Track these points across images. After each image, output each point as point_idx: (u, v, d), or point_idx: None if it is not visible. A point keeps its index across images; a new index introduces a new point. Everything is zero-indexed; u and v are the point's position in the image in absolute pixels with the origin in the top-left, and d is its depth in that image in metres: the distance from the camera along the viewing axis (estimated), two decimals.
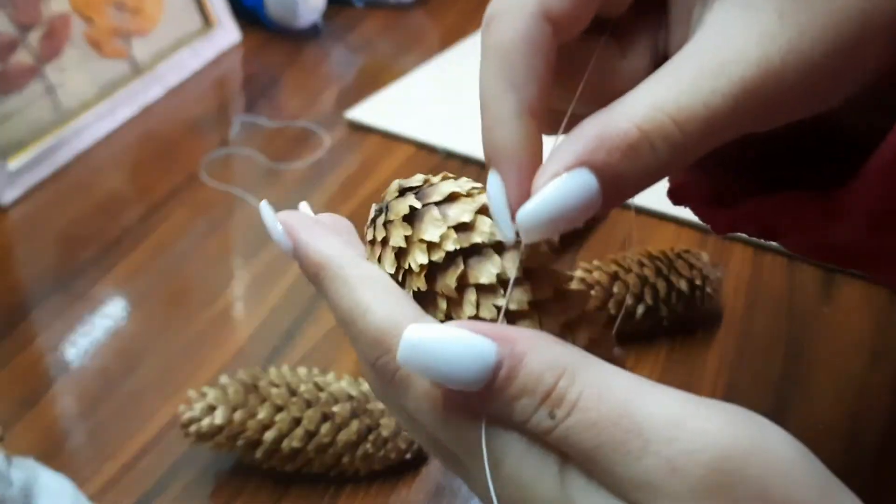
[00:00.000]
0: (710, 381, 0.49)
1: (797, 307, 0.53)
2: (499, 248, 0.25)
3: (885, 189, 0.25)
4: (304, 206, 0.30)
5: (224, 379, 0.45)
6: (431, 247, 0.25)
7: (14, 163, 0.69)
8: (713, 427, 0.20)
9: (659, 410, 0.21)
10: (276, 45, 0.89)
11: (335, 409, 0.44)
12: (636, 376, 0.22)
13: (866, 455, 0.44)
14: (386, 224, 0.27)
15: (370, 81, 0.80)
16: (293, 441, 0.43)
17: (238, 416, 0.43)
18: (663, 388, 0.21)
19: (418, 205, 0.26)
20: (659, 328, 0.51)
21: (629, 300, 0.50)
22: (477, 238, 0.25)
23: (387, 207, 0.27)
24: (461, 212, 0.25)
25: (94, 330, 0.56)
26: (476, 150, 0.69)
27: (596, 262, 0.52)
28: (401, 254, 0.26)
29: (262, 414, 0.43)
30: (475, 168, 0.68)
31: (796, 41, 0.23)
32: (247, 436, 0.43)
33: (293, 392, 0.44)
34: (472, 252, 0.25)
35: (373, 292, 0.25)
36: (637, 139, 0.22)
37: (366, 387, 0.46)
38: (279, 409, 0.44)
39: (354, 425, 0.43)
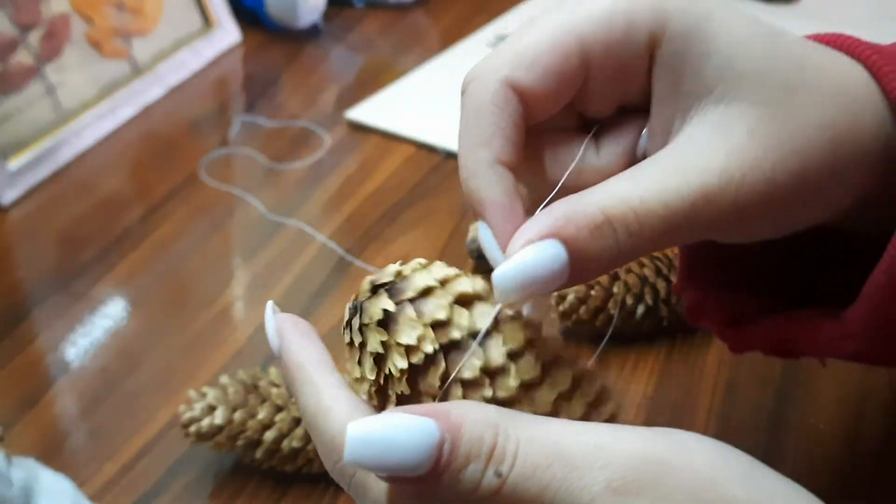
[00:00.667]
0: (710, 381, 0.49)
1: None
2: (476, 337, 0.25)
3: (879, 310, 0.27)
4: (269, 307, 0.30)
5: (224, 379, 0.45)
6: (410, 350, 0.25)
7: (14, 163, 0.69)
8: (638, 445, 0.23)
9: (587, 440, 0.23)
10: (277, 45, 0.89)
11: None
12: (556, 418, 0.24)
13: (867, 454, 0.44)
14: (362, 328, 0.26)
15: (370, 81, 0.80)
16: (293, 441, 0.43)
17: (238, 416, 0.43)
18: (586, 423, 0.24)
19: (392, 307, 0.25)
20: (659, 328, 0.51)
21: (629, 300, 0.50)
22: (455, 333, 0.25)
23: (361, 308, 0.26)
24: (436, 307, 0.25)
25: (95, 330, 0.56)
26: None
27: None
28: (380, 358, 0.26)
29: (262, 414, 0.43)
30: None
31: (760, 160, 0.26)
32: (247, 436, 0.43)
33: None
34: (452, 347, 0.25)
35: (335, 400, 0.26)
36: (601, 222, 0.25)
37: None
38: (279, 409, 0.44)
39: None
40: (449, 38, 0.86)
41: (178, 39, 0.84)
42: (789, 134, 0.26)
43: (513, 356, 0.25)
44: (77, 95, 0.75)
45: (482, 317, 0.25)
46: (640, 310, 0.50)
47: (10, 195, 0.68)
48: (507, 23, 0.87)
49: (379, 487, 0.25)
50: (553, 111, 0.29)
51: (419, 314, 0.25)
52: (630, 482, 0.22)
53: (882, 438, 0.45)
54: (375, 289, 0.26)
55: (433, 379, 0.25)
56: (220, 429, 0.43)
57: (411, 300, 0.25)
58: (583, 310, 0.50)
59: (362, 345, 0.26)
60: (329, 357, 0.28)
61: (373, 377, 0.26)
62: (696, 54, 0.27)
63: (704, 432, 0.46)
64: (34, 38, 0.72)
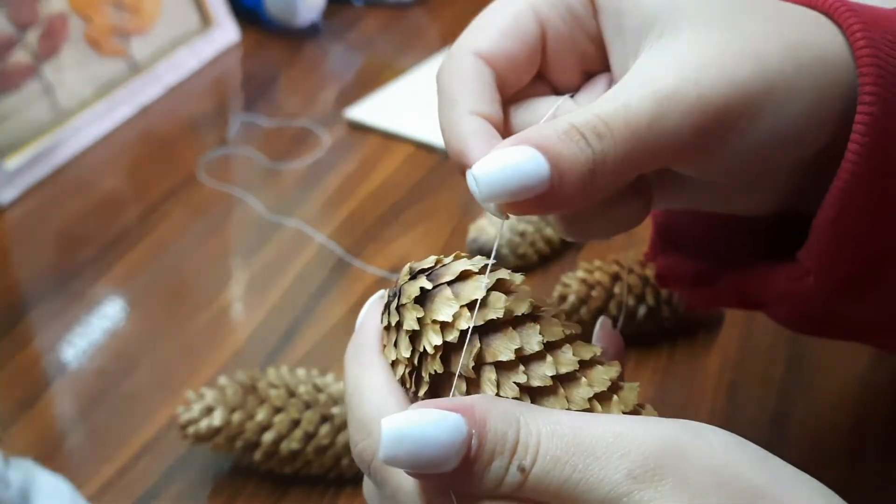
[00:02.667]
0: (712, 382, 0.49)
1: None
2: (517, 321, 0.25)
3: (830, 245, 0.28)
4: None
5: (222, 380, 0.45)
6: (445, 327, 0.25)
7: (12, 162, 0.68)
8: (658, 433, 0.23)
9: (606, 430, 0.23)
10: (276, 44, 0.89)
11: (334, 410, 0.43)
12: (575, 411, 0.24)
13: (870, 455, 0.44)
14: (399, 308, 0.26)
15: (370, 80, 0.80)
16: (292, 442, 0.43)
17: (236, 417, 0.43)
18: (605, 414, 0.24)
19: (429, 286, 0.26)
20: (661, 329, 0.51)
21: (631, 301, 0.50)
22: (491, 314, 0.25)
23: (399, 291, 0.26)
24: (473, 289, 0.25)
25: (92, 330, 0.56)
26: None
27: (597, 263, 0.52)
28: (415, 336, 0.26)
29: (260, 415, 0.43)
30: None
31: (715, 60, 0.27)
32: (245, 437, 0.43)
33: (292, 393, 0.44)
34: (489, 329, 0.25)
35: (376, 380, 0.27)
36: (571, 129, 0.26)
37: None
38: (278, 410, 0.43)
39: None
40: (449, 36, 0.86)
41: (177, 38, 0.84)
42: (738, 39, 0.27)
43: (551, 346, 0.25)
44: (75, 95, 0.75)
45: (518, 304, 0.25)
46: (642, 311, 0.50)
47: (8, 195, 0.68)
48: None
49: (399, 478, 0.25)
50: (524, 77, 0.31)
51: (456, 294, 0.25)
52: (650, 469, 0.22)
53: (884, 438, 0.45)
54: (415, 274, 0.27)
55: (467, 360, 0.25)
56: (218, 430, 0.43)
57: (449, 283, 0.26)
58: (584, 310, 0.50)
59: (399, 324, 0.26)
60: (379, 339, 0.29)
61: (407, 355, 0.26)
62: None
63: None
64: (32, 36, 0.72)
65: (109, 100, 0.76)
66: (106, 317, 0.57)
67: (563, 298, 0.50)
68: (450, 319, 0.25)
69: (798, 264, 0.30)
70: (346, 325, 0.54)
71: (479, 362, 0.25)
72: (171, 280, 0.60)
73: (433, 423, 0.23)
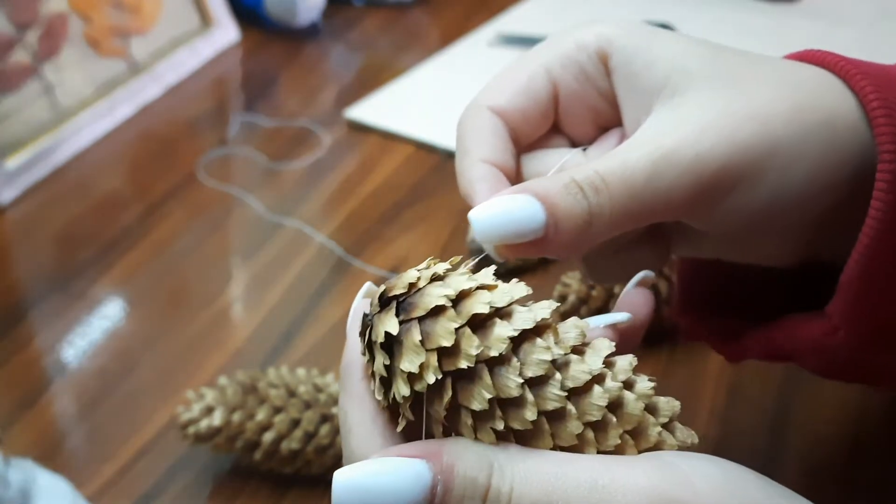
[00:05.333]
0: (712, 383, 0.48)
1: None
2: (493, 361, 0.23)
3: (858, 301, 0.28)
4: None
5: (222, 380, 0.45)
6: (413, 377, 0.24)
7: (12, 162, 0.68)
8: (641, 481, 0.22)
9: (584, 477, 0.22)
10: (275, 44, 0.89)
11: (334, 410, 0.43)
12: (554, 452, 0.23)
13: (869, 455, 0.44)
14: (370, 345, 0.25)
15: (370, 80, 0.80)
16: (292, 442, 0.43)
17: (236, 417, 0.43)
18: (582, 456, 0.23)
19: (395, 329, 0.24)
20: (660, 329, 0.51)
21: None
22: (462, 363, 0.23)
23: (372, 323, 0.25)
24: (444, 333, 0.23)
25: (92, 330, 0.56)
26: None
27: None
28: (385, 382, 0.25)
29: (260, 415, 0.43)
30: None
31: (716, 122, 0.28)
32: (245, 437, 0.43)
33: (292, 393, 0.44)
34: (461, 376, 0.23)
35: (359, 416, 0.26)
36: (570, 182, 0.27)
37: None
38: (278, 410, 0.43)
39: None
40: (449, 36, 0.86)
41: (177, 38, 0.84)
42: (743, 102, 0.28)
43: (535, 383, 0.24)
44: (75, 94, 0.75)
45: (496, 341, 0.24)
46: None
47: (8, 195, 0.68)
48: (506, 21, 0.87)
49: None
50: (538, 131, 0.33)
51: (426, 337, 0.24)
52: None
53: (884, 439, 0.45)
54: (386, 300, 0.25)
55: (439, 409, 0.24)
56: (218, 430, 0.43)
57: (420, 318, 0.24)
58: (584, 310, 0.50)
59: (371, 361, 0.25)
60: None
61: (380, 398, 0.25)
62: (644, 61, 0.30)
63: (706, 434, 0.46)
64: (32, 37, 0.72)
65: (109, 100, 0.76)
66: (106, 317, 0.57)
67: (563, 298, 0.50)
68: (416, 370, 0.23)
69: (826, 318, 0.30)
70: (346, 325, 0.55)
71: (453, 406, 0.24)
72: (171, 280, 0.60)
73: (392, 474, 0.22)
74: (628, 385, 0.25)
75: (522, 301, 0.25)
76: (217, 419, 0.43)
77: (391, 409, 0.25)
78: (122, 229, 0.65)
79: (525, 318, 0.24)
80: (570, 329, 0.25)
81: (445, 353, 0.23)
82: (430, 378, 0.23)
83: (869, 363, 0.32)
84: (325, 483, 0.45)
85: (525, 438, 0.24)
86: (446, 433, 0.24)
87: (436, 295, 0.24)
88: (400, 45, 0.88)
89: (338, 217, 0.64)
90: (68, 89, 0.74)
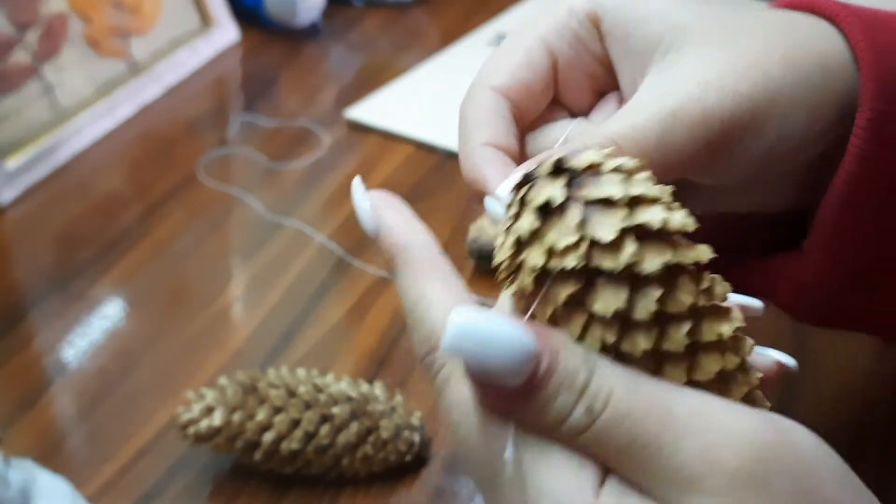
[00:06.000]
0: None
1: None
2: (635, 280, 0.22)
3: (834, 236, 0.29)
4: (357, 182, 0.31)
5: (223, 380, 0.45)
6: (553, 253, 0.22)
7: (12, 162, 0.68)
8: (744, 422, 0.21)
9: (688, 402, 0.21)
10: (275, 44, 0.89)
11: (334, 410, 0.43)
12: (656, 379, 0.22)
13: (872, 451, 0.44)
14: (523, 200, 0.23)
15: (369, 80, 0.80)
16: (292, 442, 0.43)
17: (237, 417, 0.43)
18: (688, 389, 0.22)
19: (559, 199, 0.22)
20: None
21: None
22: (609, 264, 0.22)
23: (532, 182, 0.23)
24: (607, 226, 0.22)
25: (92, 330, 0.56)
26: None
27: None
28: (521, 242, 0.23)
29: (260, 415, 0.43)
30: None
31: (720, 75, 0.28)
32: (245, 437, 0.43)
33: (292, 393, 0.44)
34: (599, 275, 0.22)
35: (441, 289, 0.26)
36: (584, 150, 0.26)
37: (365, 388, 0.45)
38: (278, 410, 0.43)
39: (354, 427, 0.43)
40: (449, 36, 0.86)
41: (177, 38, 0.84)
42: (740, 53, 0.28)
43: (666, 319, 0.22)
44: (75, 95, 0.75)
45: (651, 258, 0.22)
46: None
47: (8, 195, 0.68)
48: (506, 21, 0.87)
49: (457, 395, 0.24)
50: (541, 105, 0.33)
51: (585, 222, 0.22)
52: (727, 457, 0.20)
53: (884, 440, 0.45)
54: (559, 170, 0.23)
55: (559, 297, 0.22)
56: (218, 430, 0.43)
57: (588, 202, 0.22)
58: None
59: (517, 216, 0.23)
60: (434, 240, 0.28)
61: (501, 257, 0.24)
62: (635, 19, 0.30)
63: None
64: (32, 37, 0.72)
65: (109, 100, 0.76)
66: (106, 317, 0.57)
67: None
68: (558, 249, 0.22)
69: (804, 255, 0.31)
70: (346, 326, 0.55)
71: (575, 301, 0.22)
72: (171, 280, 0.60)
73: (503, 330, 0.21)
74: (744, 367, 0.23)
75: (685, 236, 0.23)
76: (217, 419, 0.43)
77: (508, 269, 0.24)
78: (122, 229, 0.65)
79: (686, 254, 0.22)
80: (719, 285, 0.23)
81: (597, 247, 0.22)
82: (571, 263, 0.22)
83: (847, 306, 0.32)
84: (325, 483, 0.45)
85: (626, 363, 0.22)
86: (550, 324, 0.23)
87: (614, 186, 0.22)
88: (400, 45, 0.88)
89: (338, 217, 0.64)
90: (68, 89, 0.74)
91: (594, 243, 0.22)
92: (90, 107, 0.75)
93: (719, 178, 0.30)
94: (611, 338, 0.22)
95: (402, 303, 0.27)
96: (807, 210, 0.32)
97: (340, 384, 0.45)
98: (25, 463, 0.41)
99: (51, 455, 0.47)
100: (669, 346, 0.22)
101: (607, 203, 0.22)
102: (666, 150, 0.27)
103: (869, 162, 0.28)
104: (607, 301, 0.22)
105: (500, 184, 0.28)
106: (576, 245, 0.22)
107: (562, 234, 0.22)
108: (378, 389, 0.46)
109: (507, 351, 0.21)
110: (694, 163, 0.28)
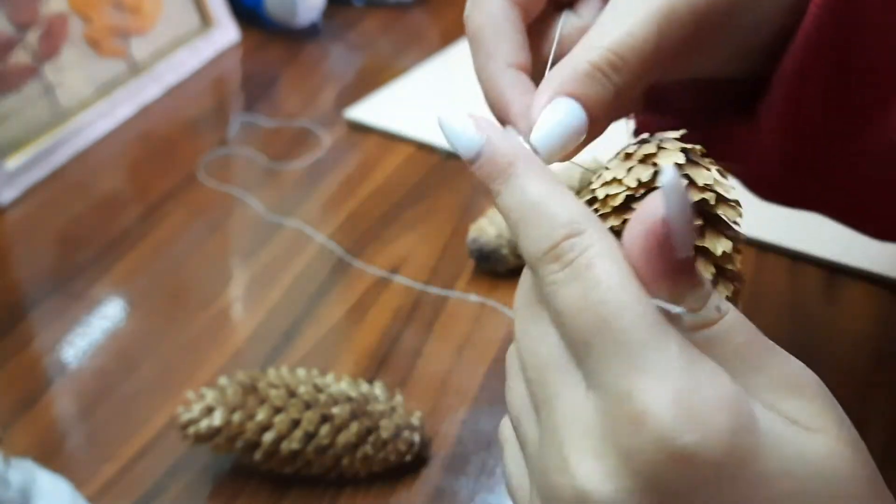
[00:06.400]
0: None
1: (799, 308, 0.53)
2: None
3: (786, 99, 0.31)
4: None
5: (223, 380, 0.45)
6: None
7: (12, 162, 0.68)
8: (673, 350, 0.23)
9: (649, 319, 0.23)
10: (276, 45, 0.89)
11: (334, 410, 0.43)
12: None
13: (870, 456, 0.44)
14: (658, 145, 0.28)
15: (370, 80, 0.80)
16: (292, 442, 0.43)
17: (237, 417, 0.43)
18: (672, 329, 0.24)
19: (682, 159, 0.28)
20: None
21: None
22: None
23: (660, 146, 0.28)
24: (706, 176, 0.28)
25: (92, 330, 0.56)
26: None
27: None
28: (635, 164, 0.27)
29: (260, 415, 0.43)
30: None
31: None
32: (245, 437, 0.43)
33: (292, 393, 0.44)
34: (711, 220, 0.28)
35: (564, 187, 0.26)
36: (591, 70, 0.28)
37: (365, 388, 0.45)
38: (278, 410, 0.43)
39: (354, 427, 0.43)
40: (449, 36, 0.86)
41: (177, 38, 0.84)
42: None
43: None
44: (75, 95, 0.75)
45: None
46: None
47: (8, 195, 0.68)
48: None
49: (612, 268, 0.23)
50: (541, 5, 0.33)
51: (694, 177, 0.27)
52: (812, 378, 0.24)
53: (886, 439, 0.45)
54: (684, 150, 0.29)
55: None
56: (218, 430, 0.43)
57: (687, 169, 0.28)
58: None
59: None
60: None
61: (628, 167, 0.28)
62: None
63: None
64: (32, 37, 0.72)
65: (109, 100, 0.76)
66: (106, 317, 0.57)
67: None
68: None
69: (755, 120, 0.33)
70: (346, 326, 0.55)
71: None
72: (171, 280, 0.60)
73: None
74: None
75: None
76: (217, 419, 0.43)
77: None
78: (122, 229, 0.65)
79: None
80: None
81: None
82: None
83: (799, 183, 0.34)
84: (325, 483, 0.45)
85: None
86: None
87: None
88: (400, 45, 0.88)
89: (338, 217, 0.64)
90: (68, 89, 0.74)
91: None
92: (90, 107, 0.75)
93: (705, 61, 0.32)
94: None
95: (513, 203, 0.26)
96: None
97: (340, 384, 0.45)
98: (25, 463, 0.41)
99: (51, 455, 0.47)
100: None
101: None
102: (664, 52, 0.28)
103: (820, 33, 0.30)
104: (722, 243, 0.30)
105: (523, 112, 0.29)
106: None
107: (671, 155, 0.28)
108: (378, 389, 0.46)
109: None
110: (684, 56, 0.30)
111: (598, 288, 0.23)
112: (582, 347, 0.23)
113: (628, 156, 0.27)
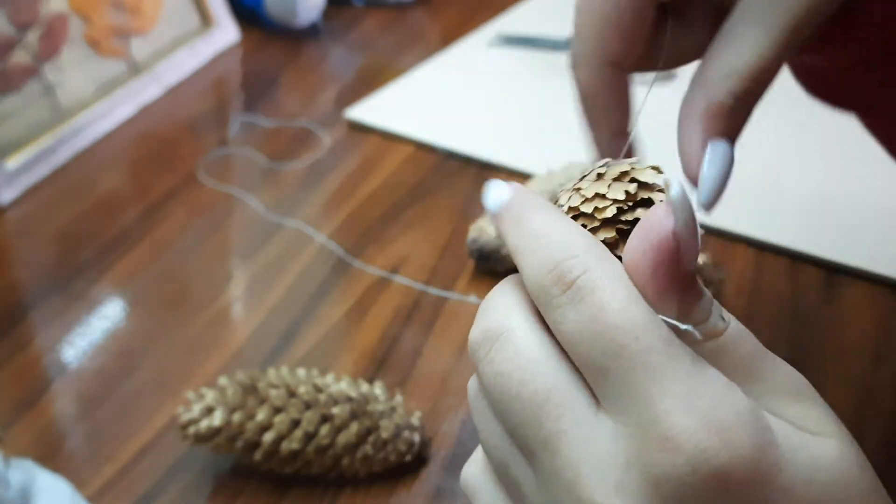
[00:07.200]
0: None
1: (799, 308, 0.53)
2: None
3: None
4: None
5: (223, 380, 0.45)
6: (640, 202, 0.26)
7: (12, 162, 0.68)
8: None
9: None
10: (276, 45, 0.89)
11: (334, 410, 0.43)
12: None
13: (871, 457, 0.44)
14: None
15: (370, 81, 0.80)
16: (292, 443, 0.43)
17: (237, 417, 0.43)
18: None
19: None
20: None
21: None
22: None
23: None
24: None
25: (93, 330, 0.56)
26: (476, 150, 0.69)
27: None
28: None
29: (260, 415, 0.43)
30: (475, 168, 0.68)
31: None
32: (245, 437, 0.43)
33: (292, 393, 0.44)
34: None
35: (559, 218, 0.26)
36: (733, 104, 0.28)
37: (365, 388, 0.45)
38: (278, 410, 0.43)
39: (354, 427, 0.43)
40: (449, 36, 0.86)
41: (177, 38, 0.84)
42: None
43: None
44: (75, 95, 0.75)
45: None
46: None
47: (9, 195, 0.68)
48: (506, 21, 0.87)
49: (617, 287, 0.23)
50: (641, 46, 0.32)
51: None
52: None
53: (886, 439, 0.45)
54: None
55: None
56: (218, 430, 0.43)
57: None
58: None
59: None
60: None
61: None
62: None
63: None
64: (32, 37, 0.72)
65: (109, 100, 0.76)
66: (106, 317, 0.57)
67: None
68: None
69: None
70: (346, 326, 0.55)
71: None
72: (171, 280, 0.60)
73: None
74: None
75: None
76: (217, 419, 0.43)
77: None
78: (122, 229, 0.65)
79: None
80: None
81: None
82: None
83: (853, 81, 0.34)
84: (325, 483, 0.45)
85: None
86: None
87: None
88: (400, 45, 0.88)
89: (338, 217, 0.64)
90: (68, 90, 0.74)
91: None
92: (90, 107, 0.75)
93: None
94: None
95: (516, 235, 0.25)
96: None
97: (340, 384, 0.45)
98: (25, 463, 0.41)
99: (51, 455, 0.47)
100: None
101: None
102: (788, 56, 0.29)
103: None
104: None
105: (686, 163, 0.29)
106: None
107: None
108: (378, 389, 0.46)
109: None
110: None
111: (609, 310, 0.22)
112: (597, 374, 0.23)
113: (600, 175, 0.26)
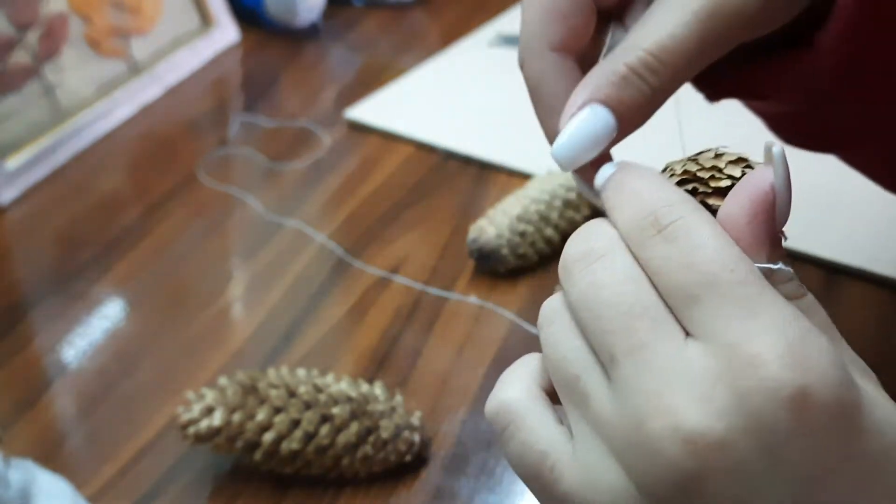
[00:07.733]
0: None
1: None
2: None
3: (851, 24, 0.30)
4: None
5: (223, 380, 0.45)
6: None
7: (12, 163, 0.68)
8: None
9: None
10: (276, 45, 0.89)
11: (335, 410, 0.43)
12: None
13: None
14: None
15: (370, 81, 0.80)
16: (292, 443, 0.43)
17: (237, 417, 0.43)
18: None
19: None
20: None
21: None
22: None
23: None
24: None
25: (93, 330, 0.56)
26: (476, 150, 0.69)
27: None
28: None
29: (260, 415, 0.43)
30: (475, 168, 0.68)
31: None
32: (245, 437, 0.43)
33: (292, 393, 0.44)
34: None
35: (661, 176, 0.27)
36: (626, 72, 0.28)
37: (365, 388, 0.45)
38: (278, 410, 0.43)
39: (354, 427, 0.43)
40: (449, 36, 0.86)
41: (177, 38, 0.84)
42: None
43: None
44: (75, 95, 0.75)
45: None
46: None
47: (9, 195, 0.68)
48: (506, 21, 0.87)
49: (706, 227, 0.24)
50: (591, 29, 0.32)
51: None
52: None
53: None
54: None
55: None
56: (218, 430, 0.43)
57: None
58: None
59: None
60: None
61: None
62: None
63: None
64: (32, 37, 0.72)
65: (109, 100, 0.76)
66: (106, 317, 0.57)
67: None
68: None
69: (813, 49, 0.31)
70: (347, 326, 0.55)
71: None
72: (171, 280, 0.60)
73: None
74: None
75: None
76: (217, 419, 0.43)
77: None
78: (122, 229, 0.65)
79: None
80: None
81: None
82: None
83: (844, 82, 0.33)
84: (325, 483, 0.45)
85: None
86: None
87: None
88: (400, 46, 0.88)
89: (338, 217, 0.64)
90: (68, 90, 0.74)
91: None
92: (90, 107, 0.75)
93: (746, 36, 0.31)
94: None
95: (618, 195, 0.27)
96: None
97: (340, 384, 0.45)
98: (25, 463, 0.41)
99: (51, 455, 0.47)
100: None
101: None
102: (709, 51, 0.28)
103: None
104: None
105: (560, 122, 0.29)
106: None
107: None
108: (378, 389, 0.46)
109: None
110: (728, 47, 0.29)
111: (704, 247, 0.24)
112: (686, 300, 0.24)
113: (718, 155, 0.28)
